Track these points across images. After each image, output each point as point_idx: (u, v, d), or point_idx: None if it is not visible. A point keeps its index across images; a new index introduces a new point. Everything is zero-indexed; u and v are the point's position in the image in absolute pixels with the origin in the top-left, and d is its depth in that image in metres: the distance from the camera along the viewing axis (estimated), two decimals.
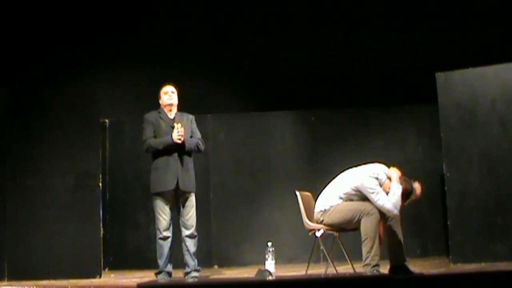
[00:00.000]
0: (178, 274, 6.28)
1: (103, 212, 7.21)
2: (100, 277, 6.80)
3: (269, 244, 5.57)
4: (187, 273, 6.00)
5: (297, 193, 5.88)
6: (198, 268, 6.05)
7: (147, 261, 7.98)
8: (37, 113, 7.03)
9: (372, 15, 8.61)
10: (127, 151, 8.59)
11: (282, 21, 8.61)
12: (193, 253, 6.01)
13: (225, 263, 8.21)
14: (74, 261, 6.79)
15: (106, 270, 8.06)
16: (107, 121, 8.54)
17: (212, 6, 8.66)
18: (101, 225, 7.06)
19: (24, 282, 6.34)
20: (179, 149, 6.01)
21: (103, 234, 7.22)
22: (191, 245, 6.00)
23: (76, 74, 8.32)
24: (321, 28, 8.54)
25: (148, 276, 6.51)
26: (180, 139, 5.94)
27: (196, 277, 5.96)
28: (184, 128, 5.99)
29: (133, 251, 8.36)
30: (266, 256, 5.57)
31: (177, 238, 6.08)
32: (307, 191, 6.10)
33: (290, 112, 8.69)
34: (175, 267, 6.11)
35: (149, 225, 8.34)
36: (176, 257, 6.11)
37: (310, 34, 8.56)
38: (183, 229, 6.04)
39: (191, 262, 6.00)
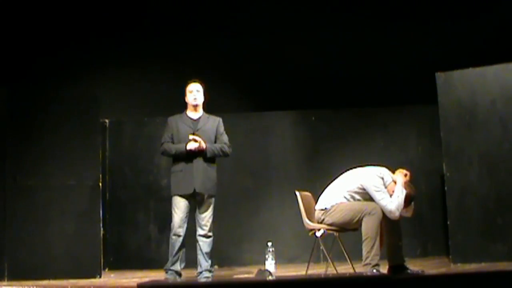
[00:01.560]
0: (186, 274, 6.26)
1: (103, 212, 7.21)
2: (100, 277, 6.80)
3: (269, 244, 5.57)
4: (199, 273, 5.94)
5: (297, 193, 5.87)
6: (211, 268, 5.98)
7: (147, 261, 8.02)
8: (37, 113, 7.01)
9: (372, 15, 8.60)
10: (127, 151, 8.59)
11: (282, 21, 8.61)
12: (206, 253, 5.94)
13: (225, 263, 8.20)
14: (74, 261, 6.78)
15: (106, 270, 8.05)
16: (107, 121, 8.53)
17: (212, 6, 8.66)
18: (101, 225, 7.07)
19: (24, 282, 6.34)
20: (198, 154, 5.94)
21: (103, 234, 7.22)
22: (204, 245, 5.94)
23: (76, 74, 8.32)
24: (321, 28, 8.54)
25: (148, 276, 6.51)
26: (194, 149, 5.88)
27: (208, 277, 5.89)
28: (201, 140, 5.89)
29: (133, 251, 8.35)
30: (266, 256, 5.57)
31: (188, 239, 6.05)
32: (307, 191, 6.09)
33: (290, 112, 8.67)
34: (187, 266, 6.09)
35: (149, 225, 8.40)
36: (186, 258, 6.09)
37: (310, 34, 8.56)
38: (198, 228, 6.00)
39: (204, 262, 5.93)
